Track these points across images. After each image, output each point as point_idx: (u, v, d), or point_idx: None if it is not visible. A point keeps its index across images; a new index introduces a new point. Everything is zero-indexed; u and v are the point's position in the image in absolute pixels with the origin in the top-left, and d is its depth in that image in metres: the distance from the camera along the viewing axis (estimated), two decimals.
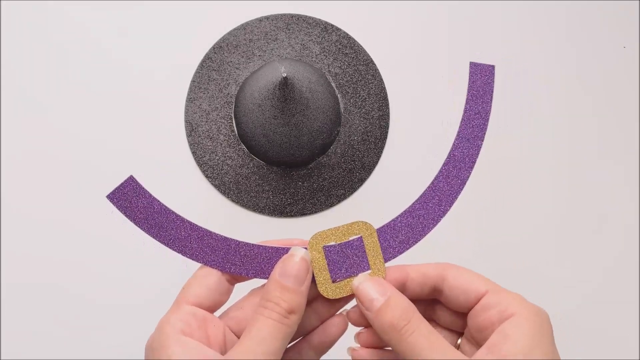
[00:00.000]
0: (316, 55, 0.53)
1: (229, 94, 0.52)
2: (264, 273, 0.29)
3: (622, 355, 0.51)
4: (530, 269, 0.52)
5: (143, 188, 0.27)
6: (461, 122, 0.31)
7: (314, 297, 0.30)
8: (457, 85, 0.54)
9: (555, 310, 0.51)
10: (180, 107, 0.52)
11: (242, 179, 0.51)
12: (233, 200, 0.51)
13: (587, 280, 0.52)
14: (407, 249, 0.30)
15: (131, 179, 0.27)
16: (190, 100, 0.52)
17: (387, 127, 0.53)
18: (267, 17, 0.53)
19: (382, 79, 0.53)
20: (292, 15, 0.54)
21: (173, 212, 0.28)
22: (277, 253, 0.29)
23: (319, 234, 0.29)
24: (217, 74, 0.52)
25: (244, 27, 0.53)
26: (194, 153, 0.52)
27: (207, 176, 0.52)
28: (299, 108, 0.45)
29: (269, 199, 0.51)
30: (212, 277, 0.30)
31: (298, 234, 0.51)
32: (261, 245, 0.29)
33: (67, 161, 0.52)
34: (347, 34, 0.54)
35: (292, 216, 0.51)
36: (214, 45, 0.53)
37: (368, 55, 0.53)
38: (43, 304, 0.50)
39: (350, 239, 0.29)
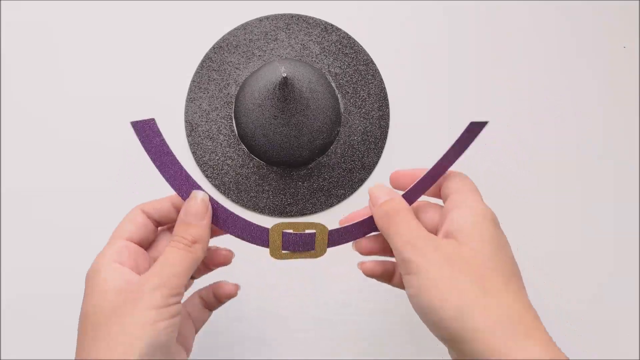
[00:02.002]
0: (316, 55, 0.53)
1: (229, 94, 0.52)
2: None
3: (622, 355, 0.51)
4: (530, 268, 0.52)
5: (160, 132, 0.33)
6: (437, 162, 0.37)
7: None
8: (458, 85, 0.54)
9: (555, 310, 0.52)
10: (180, 107, 0.52)
11: (242, 179, 0.51)
12: (233, 200, 0.51)
13: (587, 280, 0.52)
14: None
15: (153, 121, 0.32)
16: (190, 100, 0.52)
17: (387, 127, 0.53)
18: (267, 17, 0.53)
19: (382, 79, 0.53)
20: (292, 15, 0.54)
21: (177, 160, 0.34)
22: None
23: (280, 224, 0.36)
24: (217, 74, 0.52)
25: (244, 27, 0.53)
26: (194, 153, 0.52)
27: (207, 176, 0.52)
28: (299, 108, 0.45)
29: (269, 199, 0.51)
30: (141, 217, 0.36)
31: None
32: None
33: (65, 160, 0.52)
34: (347, 34, 0.54)
35: (292, 216, 0.51)
36: (214, 45, 0.53)
37: (368, 55, 0.53)
38: (43, 305, 0.50)
39: (306, 231, 0.37)
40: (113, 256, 0.34)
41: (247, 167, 0.51)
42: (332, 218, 0.52)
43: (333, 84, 0.52)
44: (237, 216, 0.36)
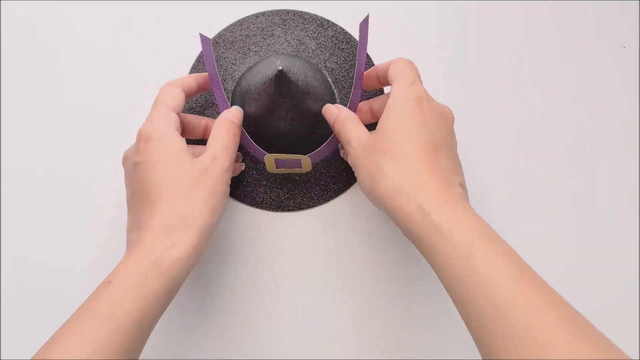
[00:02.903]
0: (312, 50, 0.53)
1: (225, 89, 0.52)
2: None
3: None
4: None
5: (212, 49, 0.46)
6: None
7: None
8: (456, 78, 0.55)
9: None
10: None
11: (239, 173, 0.51)
12: (230, 194, 0.52)
13: (587, 280, 0.52)
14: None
15: (211, 40, 0.46)
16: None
17: None
18: (263, 13, 0.54)
19: None
20: (288, 11, 0.54)
21: (218, 76, 0.46)
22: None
23: (271, 155, 0.46)
24: None
25: (240, 23, 0.54)
26: None
27: None
28: (295, 102, 0.46)
29: (266, 194, 0.52)
30: (180, 92, 0.43)
31: (294, 227, 0.51)
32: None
33: (62, 159, 0.52)
34: (343, 30, 0.54)
35: (289, 210, 0.52)
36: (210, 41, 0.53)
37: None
38: (43, 304, 0.50)
39: (293, 158, 0.46)
40: (172, 124, 0.40)
41: (244, 162, 0.52)
42: (328, 212, 0.52)
43: (329, 79, 0.53)
44: (249, 138, 0.46)
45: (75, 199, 0.51)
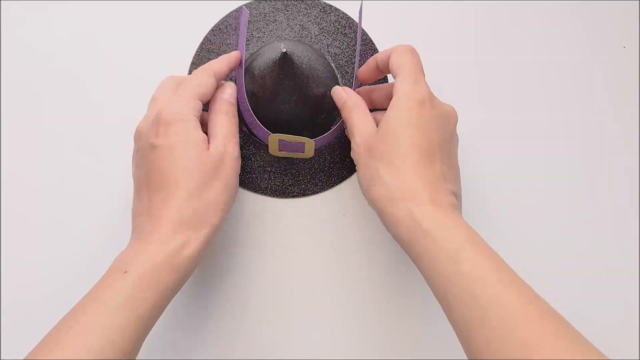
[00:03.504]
0: (315, 35, 0.53)
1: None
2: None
3: (622, 355, 0.50)
4: (528, 268, 0.52)
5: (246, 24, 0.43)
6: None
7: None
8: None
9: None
10: None
11: (243, 160, 0.51)
12: None
13: (587, 279, 0.52)
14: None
15: (247, 14, 0.43)
16: None
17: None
18: None
19: None
20: None
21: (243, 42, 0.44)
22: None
23: (276, 135, 0.44)
24: (216, 56, 0.52)
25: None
26: None
27: None
28: (299, 85, 0.45)
29: (270, 180, 0.51)
30: (212, 81, 0.42)
31: (299, 213, 0.51)
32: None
33: (64, 160, 0.52)
34: (346, 14, 0.54)
35: (293, 197, 0.51)
36: (213, 27, 0.53)
37: (367, 35, 0.53)
38: (43, 304, 0.50)
39: (297, 141, 0.45)
40: (194, 112, 0.40)
41: (248, 149, 0.51)
42: (333, 198, 0.52)
43: (332, 64, 0.52)
44: (254, 117, 0.45)
45: (75, 202, 0.51)
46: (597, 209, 0.53)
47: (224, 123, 0.42)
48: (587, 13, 0.56)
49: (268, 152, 0.51)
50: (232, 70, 0.45)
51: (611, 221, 0.52)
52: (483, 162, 0.53)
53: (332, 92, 0.46)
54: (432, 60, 0.54)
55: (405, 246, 0.38)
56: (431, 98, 0.40)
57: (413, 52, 0.43)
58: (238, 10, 0.52)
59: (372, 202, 0.40)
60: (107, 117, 0.52)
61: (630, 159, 0.54)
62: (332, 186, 0.52)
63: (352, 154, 0.43)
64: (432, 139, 0.39)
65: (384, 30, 0.54)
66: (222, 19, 0.53)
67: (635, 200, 0.53)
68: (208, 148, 0.40)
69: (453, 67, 0.54)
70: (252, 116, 0.45)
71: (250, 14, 0.53)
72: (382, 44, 0.53)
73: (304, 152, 0.47)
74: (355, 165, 0.53)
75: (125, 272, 0.35)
